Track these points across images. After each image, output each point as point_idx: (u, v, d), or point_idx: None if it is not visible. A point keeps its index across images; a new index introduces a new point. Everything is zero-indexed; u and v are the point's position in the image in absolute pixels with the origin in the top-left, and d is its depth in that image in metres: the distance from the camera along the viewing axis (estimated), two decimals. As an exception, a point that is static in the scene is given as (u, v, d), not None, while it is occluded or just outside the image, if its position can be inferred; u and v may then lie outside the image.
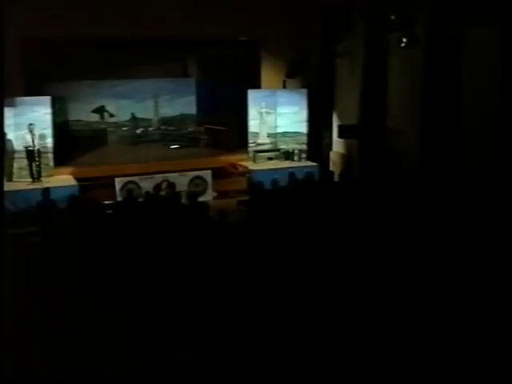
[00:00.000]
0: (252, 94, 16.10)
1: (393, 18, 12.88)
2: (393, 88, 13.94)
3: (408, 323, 6.42)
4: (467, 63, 12.21)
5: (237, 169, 15.83)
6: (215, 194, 14.55)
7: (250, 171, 15.18)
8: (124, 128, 17.29)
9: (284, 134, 16.60)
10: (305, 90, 16.55)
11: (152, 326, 6.36)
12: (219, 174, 15.08)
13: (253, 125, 16.20)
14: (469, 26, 11.96)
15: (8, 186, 11.82)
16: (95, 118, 16.85)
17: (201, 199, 12.08)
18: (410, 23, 12.69)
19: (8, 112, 12.24)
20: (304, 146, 16.44)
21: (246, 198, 12.44)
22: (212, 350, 5.95)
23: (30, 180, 13.37)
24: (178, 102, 17.75)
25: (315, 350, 5.97)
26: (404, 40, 12.73)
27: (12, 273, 5.12)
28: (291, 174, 12.81)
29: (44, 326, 6.33)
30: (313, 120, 16.59)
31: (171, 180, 12.98)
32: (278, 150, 16.43)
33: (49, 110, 13.92)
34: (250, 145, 16.18)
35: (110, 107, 16.94)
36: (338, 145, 16.43)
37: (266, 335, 6.21)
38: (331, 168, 16.13)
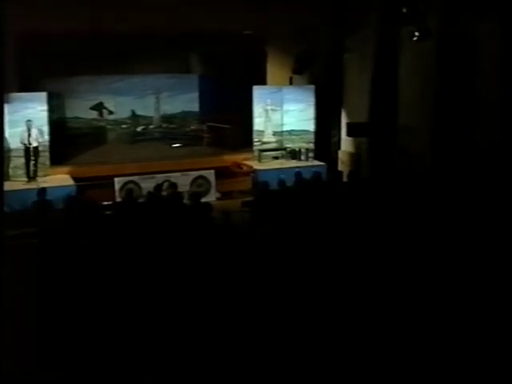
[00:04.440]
0: (257, 91, 16.11)
1: (404, 10, 12.82)
2: (404, 84, 13.89)
3: (421, 323, 6.51)
4: (481, 58, 12.19)
5: (241, 168, 15.83)
6: (219, 195, 14.54)
7: (255, 171, 15.19)
8: (124, 126, 17.27)
9: (290, 132, 16.60)
10: (312, 87, 16.52)
11: (154, 328, 6.43)
12: (223, 173, 15.07)
13: (258, 123, 16.22)
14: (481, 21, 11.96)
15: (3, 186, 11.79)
16: (93, 115, 16.82)
17: (204, 200, 12.02)
18: (422, 16, 12.63)
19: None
20: (311, 145, 16.43)
21: (250, 198, 12.44)
22: (214, 350, 6.05)
23: (26, 179, 13.38)
24: (179, 99, 17.73)
25: (322, 351, 6.06)
26: (416, 34, 12.65)
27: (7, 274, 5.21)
28: (298, 174, 12.81)
29: (42, 327, 6.46)
30: (320, 118, 16.57)
31: (173, 180, 13.01)
32: (284, 148, 16.43)
33: (45, 107, 13.96)
34: (255, 143, 16.19)
35: (109, 104, 16.91)
36: (346, 143, 16.43)
37: (269, 337, 6.27)
38: (340, 168, 16.12)
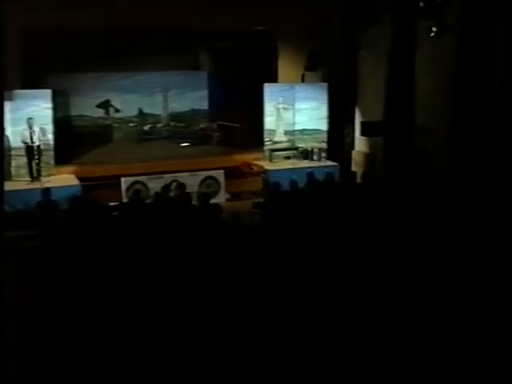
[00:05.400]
0: (268, 89, 16.04)
1: (422, 5, 12.72)
2: (421, 82, 13.79)
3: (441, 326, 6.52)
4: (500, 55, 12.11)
5: (252, 168, 15.81)
6: (228, 196, 14.50)
7: (266, 171, 15.14)
8: (131, 124, 17.35)
9: (302, 131, 16.53)
10: (325, 84, 16.44)
11: (160, 330, 6.44)
12: (233, 174, 15.04)
13: (269, 121, 16.16)
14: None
15: (5, 186, 11.76)
16: (99, 113, 16.89)
17: (213, 201, 12.06)
18: (440, 11, 12.53)
19: (5, 106, 12.18)
20: (324, 145, 16.36)
21: (261, 199, 12.39)
22: (226, 351, 6.09)
23: (29, 179, 13.34)
24: (188, 97, 17.79)
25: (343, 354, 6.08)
26: (434, 29, 12.55)
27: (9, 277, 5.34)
28: (310, 175, 12.77)
29: (46, 329, 6.47)
30: (334, 116, 16.51)
31: (181, 180, 13.00)
32: (296, 148, 16.38)
33: (49, 105, 13.95)
34: (266, 143, 16.14)
35: (116, 102, 17.01)
36: (360, 143, 16.36)
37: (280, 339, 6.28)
38: (353, 168, 16.13)
